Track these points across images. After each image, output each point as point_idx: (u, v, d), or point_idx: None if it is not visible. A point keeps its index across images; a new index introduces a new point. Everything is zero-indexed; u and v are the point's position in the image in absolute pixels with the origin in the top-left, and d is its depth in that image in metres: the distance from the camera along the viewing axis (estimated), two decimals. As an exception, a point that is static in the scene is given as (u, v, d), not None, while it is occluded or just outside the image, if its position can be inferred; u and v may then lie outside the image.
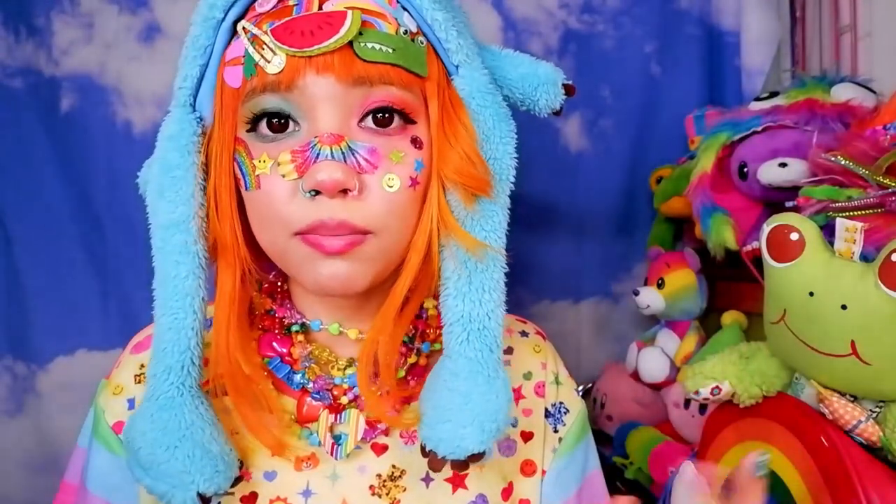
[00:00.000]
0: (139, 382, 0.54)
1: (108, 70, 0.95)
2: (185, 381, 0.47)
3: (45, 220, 0.95)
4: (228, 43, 0.48)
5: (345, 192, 0.45)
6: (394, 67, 0.46)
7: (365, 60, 0.45)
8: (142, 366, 0.54)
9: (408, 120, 0.48)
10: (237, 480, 0.49)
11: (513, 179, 0.50)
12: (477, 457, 0.46)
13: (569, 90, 0.53)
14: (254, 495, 0.51)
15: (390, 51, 0.45)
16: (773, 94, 0.85)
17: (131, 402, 0.54)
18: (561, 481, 0.58)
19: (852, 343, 0.52)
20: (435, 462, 0.47)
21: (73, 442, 0.58)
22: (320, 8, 0.46)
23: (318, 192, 0.45)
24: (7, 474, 0.95)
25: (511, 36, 1.07)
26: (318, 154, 0.44)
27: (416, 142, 0.48)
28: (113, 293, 0.97)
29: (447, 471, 0.52)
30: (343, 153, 0.45)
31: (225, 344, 0.49)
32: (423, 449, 0.47)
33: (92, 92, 0.95)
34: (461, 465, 0.47)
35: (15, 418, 0.96)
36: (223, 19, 0.48)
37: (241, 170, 0.48)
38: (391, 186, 0.46)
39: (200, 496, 0.46)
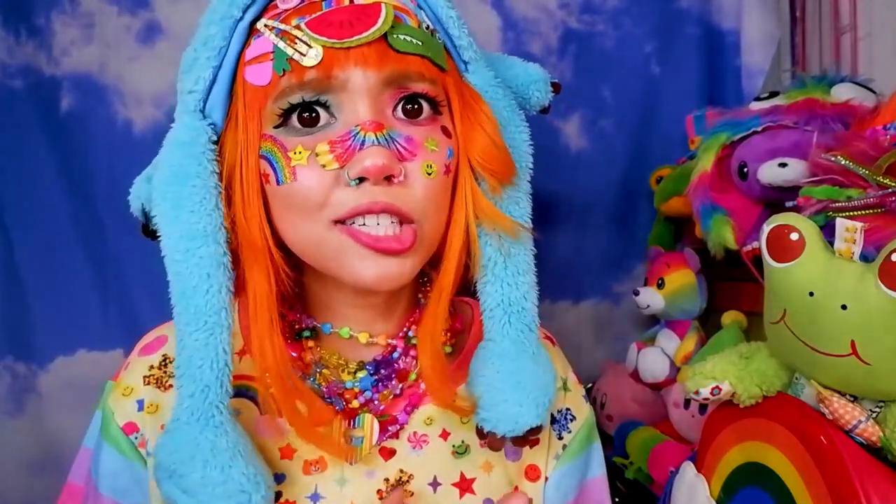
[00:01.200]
0: (148, 384, 0.54)
1: (108, 70, 0.95)
2: (223, 399, 0.46)
3: (45, 220, 0.95)
4: (246, 43, 0.47)
5: (389, 178, 0.45)
6: (423, 59, 0.47)
7: (398, 51, 0.45)
8: (151, 367, 0.54)
9: (436, 110, 0.49)
10: (278, 495, 0.49)
11: (531, 166, 0.53)
12: (535, 430, 0.49)
13: (556, 88, 0.56)
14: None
15: (420, 43, 0.47)
16: (773, 94, 0.85)
17: (140, 403, 0.53)
18: (562, 488, 0.58)
19: (852, 343, 0.52)
20: (495, 442, 0.50)
21: (73, 442, 0.58)
22: (351, 2, 0.46)
23: (363, 180, 0.45)
24: (7, 474, 0.95)
25: (511, 36, 1.07)
26: (362, 141, 0.45)
27: (445, 131, 0.49)
28: (113, 293, 0.97)
29: (454, 476, 0.53)
30: (387, 140, 0.45)
31: (271, 346, 0.47)
32: (479, 431, 0.50)
33: (92, 92, 0.95)
34: (521, 441, 0.50)
35: (15, 418, 0.96)
36: (241, 18, 0.47)
37: (271, 165, 0.46)
38: (430, 174, 0.47)
39: None
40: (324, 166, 0.45)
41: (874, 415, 0.55)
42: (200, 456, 0.44)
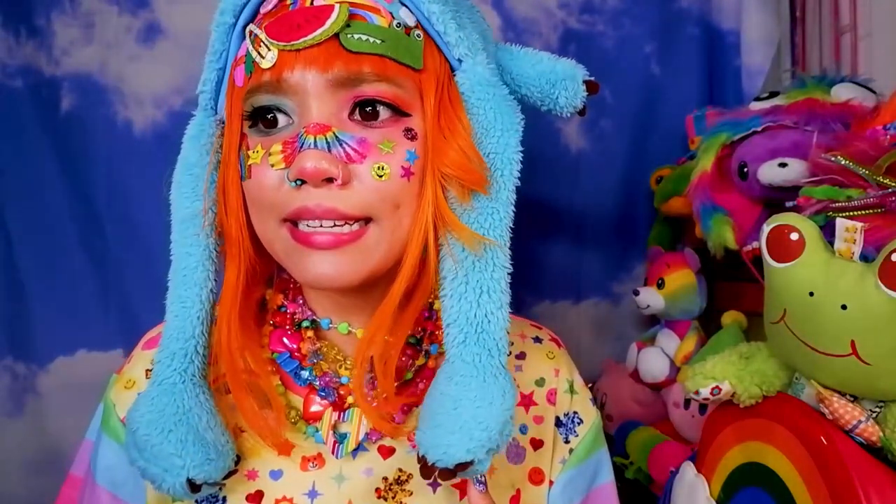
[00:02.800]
0: (150, 377, 0.54)
1: (108, 70, 0.95)
2: (187, 368, 0.48)
3: (45, 220, 0.95)
4: (240, 46, 0.49)
5: (330, 181, 0.45)
6: (381, 58, 0.45)
7: (350, 51, 0.45)
8: (153, 361, 0.55)
9: (400, 112, 0.47)
10: (231, 473, 0.49)
11: (517, 175, 0.49)
12: (464, 466, 0.43)
13: (591, 87, 0.52)
14: (259, 494, 0.51)
15: (378, 41, 0.45)
16: (773, 94, 0.85)
17: None
18: (567, 493, 0.57)
19: (852, 343, 0.52)
20: (426, 469, 0.44)
21: (73, 442, 0.58)
22: (312, 3, 0.46)
23: (303, 182, 0.45)
24: (7, 474, 0.95)
25: (511, 36, 1.06)
26: (303, 143, 0.45)
27: (409, 133, 0.47)
28: (113, 293, 0.97)
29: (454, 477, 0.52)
30: (328, 142, 0.45)
31: (227, 339, 0.50)
32: (417, 454, 0.45)
33: (92, 92, 0.95)
34: (447, 474, 0.44)
35: (15, 419, 0.95)
36: (234, 23, 0.49)
37: (241, 163, 0.49)
38: (381, 175, 0.46)
39: (190, 482, 0.46)
40: (272, 166, 0.46)
41: (874, 415, 0.55)
42: (148, 416, 0.47)
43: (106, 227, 0.96)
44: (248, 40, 0.47)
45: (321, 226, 0.46)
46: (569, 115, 0.52)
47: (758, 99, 0.86)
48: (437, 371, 0.48)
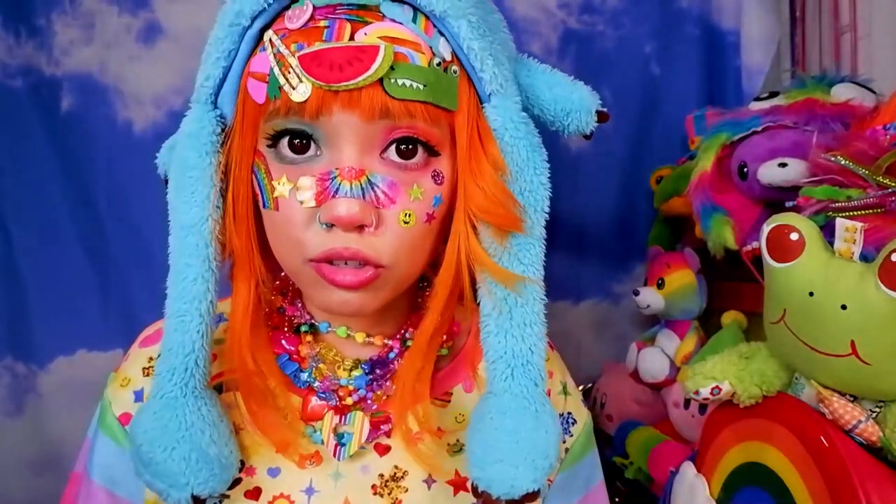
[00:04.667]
0: (147, 375, 0.54)
1: (108, 70, 0.95)
2: (188, 382, 0.48)
3: (45, 220, 0.95)
4: (253, 50, 0.47)
5: (361, 227, 0.45)
6: (423, 104, 0.45)
7: (395, 98, 0.44)
8: (150, 358, 0.55)
9: (432, 152, 0.47)
10: (236, 482, 0.50)
11: (547, 210, 0.50)
12: (532, 496, 0.45)
13: (602, 117, 0.52)
14: (257, 491, 0.51)
15: (421, 87, 0.44)
16: (773, 94, 0.85)
17: (138, 395, 0.54)
18: (564, 492, 0.58)
19: (852, 343, 0.52)
20: (490, 502, 0.46)
21: (73, 442, 0.58)
22: (352, 37, 0.44)
23: (333, 224, 0.45)
24: (7, 474, 0.95)
25: (511, 36, 1.06)
26: (337, 188, 0.44)
27: (437, 177, 0.47)
28: (113, 293, 0.97)
29: (449, 473, 0.53)
30: (363, 188, 0.45)
31: (238, 347, 0.50)
32: (474, 490, 0.47)
33: (92, 92, 0.95)
34: None
35: (15, 419, 0.96)
36: (249, 27, 0.47)
37: (259, 186, 0.48)
38: (407, 223, 0.46)
39: (195, 498, 0.46)
40: (302, 203, 0.45)
41: (874, 415, 0.55)
42: (151, 432, 0.46)
43: (106, 227, 0.97)
44: (270, 56, 0.45)
45: (346, 264, 0.46)
46: (575, 136, 0.53)
47: (758, 99, 0.86)
48: (479, 406, 0.49)
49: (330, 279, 0.46)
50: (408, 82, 0.44)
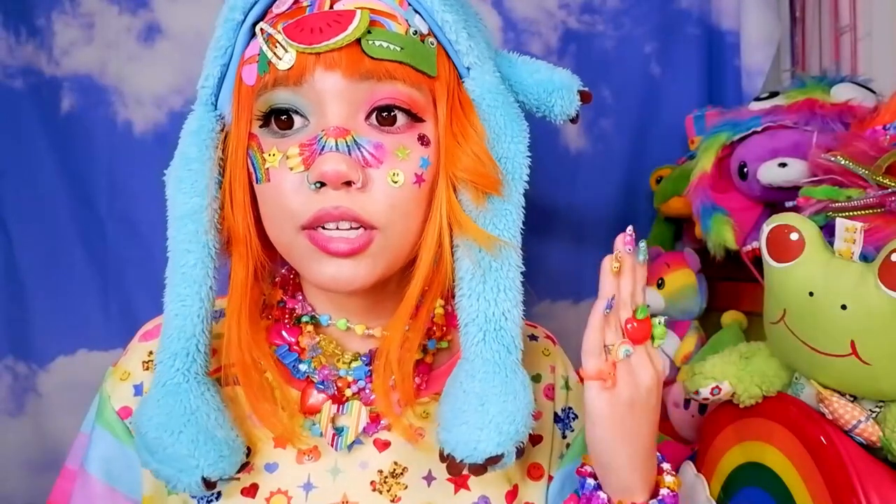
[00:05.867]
0: (147, 369, 0.54)
1: (108, 70, 0.96)
2: (190, 367, 0.48)
3: (46, 220, 0.95)
4: (248, 44, 0.49)
5: (349, 184, 0.46)
6: (401, 65, 0.47)
7: (372, 58, 0.46)
8: (150, 353, 0.55)
9: (415, 118, 0.48)
10: (244, 466, 0.50)
11: (526, 178, 0.51)
12: (495, 459, 0.46)
13: (585, 97, 0.53)
14: (254, 486, 0.51)
15: (398, 49, 0.46)
16: (773, 94, 0.85)
17: (138, 388, 0.54)
18: (567, 487, 0.57)
19: (852, 343, 0.52)
20: (453, 466, 0.46)
21: (74, 441, 0.58)
22: (331, 7, 0.47)
23: (323, 185, 0.46)
24: (8, 474, 0.95)
25: (511, 36, 1.07)
26: (323, 146, 0.46)
27: (422, 139, 0.49)
28: (113, 293, 0.97)
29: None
30: (348, 146, 0.46)
31: (237, 334, 0.50)
32: (441, 454, 0.47)
33: (92, 92, 0.95)
34: (479, 469, 0.46)
35: (16, 418, 0.96)
36: (243, 21, 0.49)
37: (252, 164, 0.49)
38: (396, 182, 0.47)
39: (205, 481, 0.47)
40: (291, 169, 0.46)
41: (874, 415, 0.55)
42: (157, 418, 0.47)
43: (106, 226, 0.97)
44: (260, 39, 0.47)
45: (338, 228, 0.46)
46: (562, 122, 0.54)
47: (758, 99, 0.86)
48: (454, 370, 0.49)
49: (322, 246, 0.46)
50: (385, 43, 0.46)
